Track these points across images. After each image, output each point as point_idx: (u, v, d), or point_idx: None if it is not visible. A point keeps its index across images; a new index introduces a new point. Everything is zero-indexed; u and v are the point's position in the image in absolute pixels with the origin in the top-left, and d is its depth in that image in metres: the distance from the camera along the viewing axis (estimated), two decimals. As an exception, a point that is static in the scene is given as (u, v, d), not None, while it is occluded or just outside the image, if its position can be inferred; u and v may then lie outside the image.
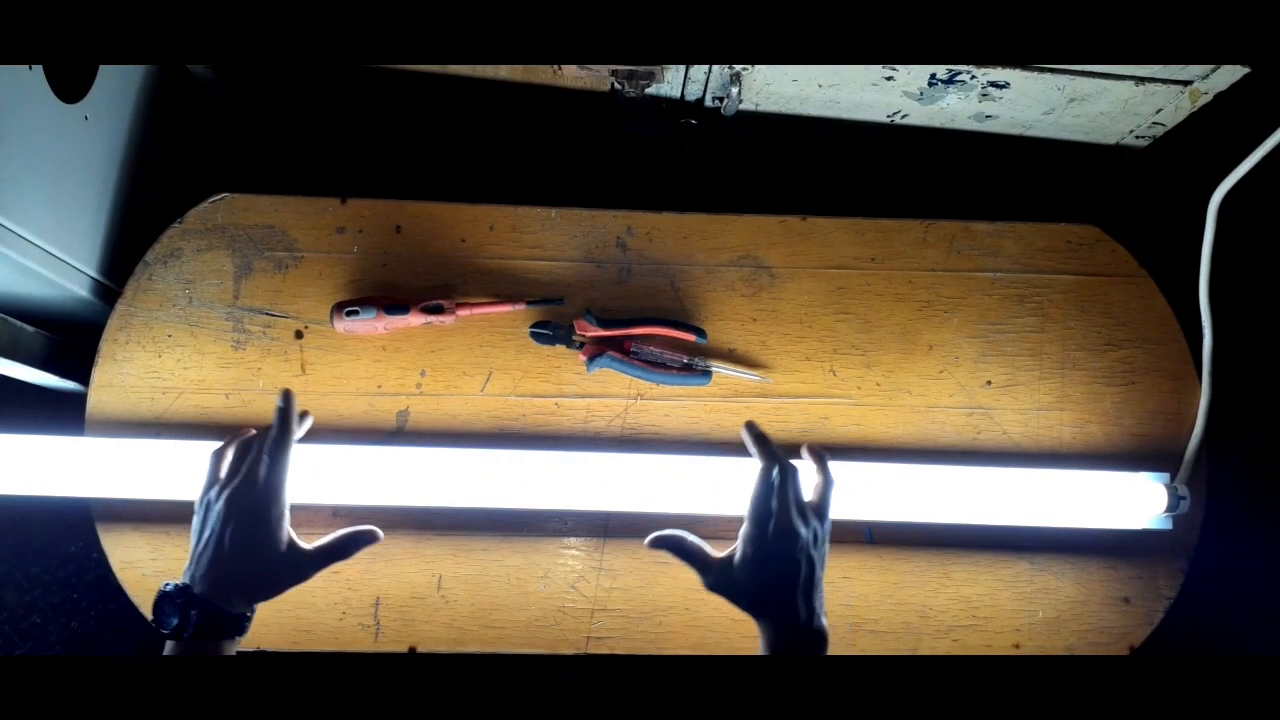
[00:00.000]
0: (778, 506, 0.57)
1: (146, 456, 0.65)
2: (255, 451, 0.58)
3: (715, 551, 0.59)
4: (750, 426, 0.62)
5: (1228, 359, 0.71)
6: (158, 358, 0.70)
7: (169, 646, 0.53)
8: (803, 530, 0.57)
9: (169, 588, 0.54)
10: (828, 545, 0.59)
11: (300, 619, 0.67)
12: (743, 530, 0.57)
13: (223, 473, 0.59)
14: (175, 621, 0.53)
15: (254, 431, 0.64)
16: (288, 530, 0.57)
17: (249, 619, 0.56)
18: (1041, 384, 0.72)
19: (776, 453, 0.60)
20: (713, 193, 1.02)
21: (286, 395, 0.60)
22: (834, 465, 0.66)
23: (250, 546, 0.55)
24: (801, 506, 0.58)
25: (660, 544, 0.60)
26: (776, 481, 0.58)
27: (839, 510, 0.65)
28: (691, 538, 0.60)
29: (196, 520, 0.58)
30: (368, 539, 0.60)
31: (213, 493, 0.58)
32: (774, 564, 0.56)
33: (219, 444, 0.62)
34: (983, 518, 0.66)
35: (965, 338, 0.72)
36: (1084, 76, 0.76)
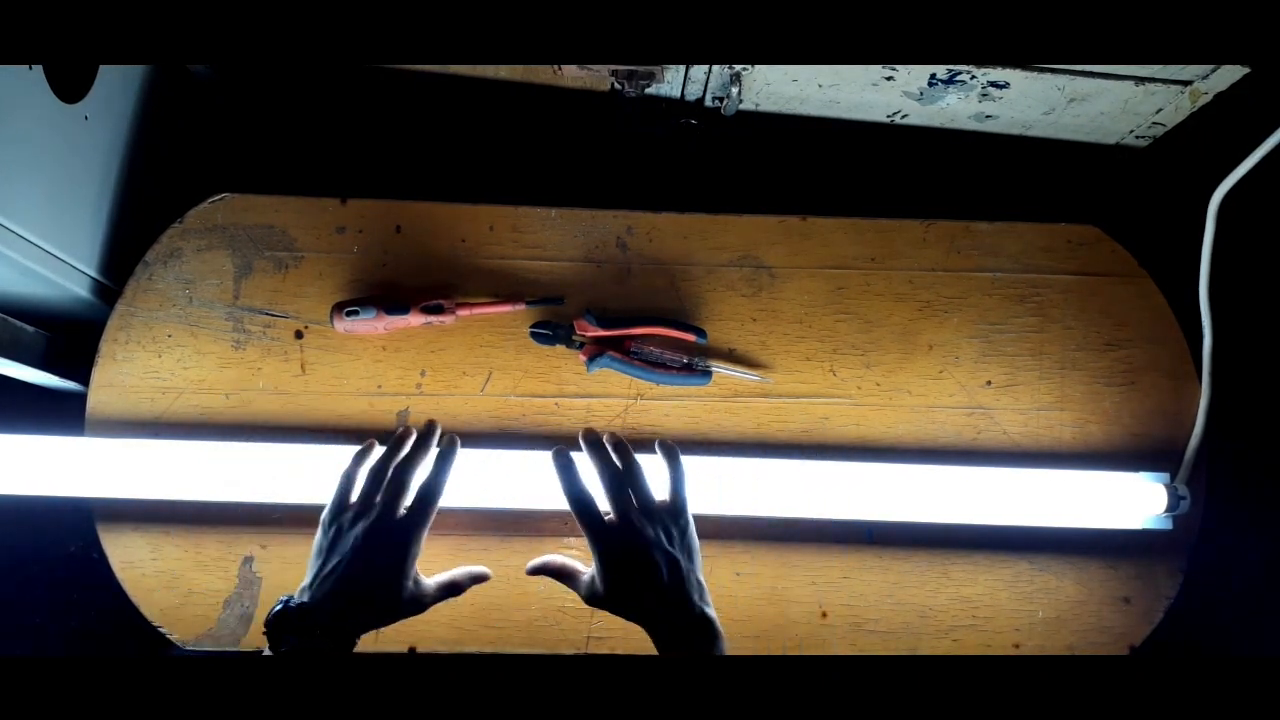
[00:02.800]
0: (616, 511, 0.57)
1: (147, 456, 0.65)
2: (396, 482, 0.58)
3: (584, 566, 0.59)
4: (584, 433, 0.62)
5: (1228, 359, 0.71)
6: (158, 358, 0.70)
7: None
8: (649, 531, 0.56)
9: (292, 606, 0.53)
10: (691, 536, 0.58)
11: (300, 619, 0.67)
12: (588, 545, 0.57)
13: (354, 496, 0.59)
14: (295, 641, 0.52)
15: (380, 448, 0.63)
16: (416, 567, 0.57)
17: (355, 644, 0.55)
18: (1041, 384, 0.72)
19: (606, 458, 0.60)
20: (713, 193, 1.02)
21: (442, 434, 0.63)
22: (834, 466, 0.66)
23: (383, 582, 0.55)
24: (647, 508, 0.57)
25: (537, 571, 0.61)
26: (603, 483, 0.58)
27: (840, 509, 0.65)
28: (560, 558, 0.61)
29: (323, 540, 0.57)
30: (482, 578, 0.62)
31: (346, 517, 0.57)
32: (627, 575, 0.55)
33: (349, 462, 0.61)
34: (983, 518, 0.66)
35: (965, 338, 0.72)
36: (1084, 77, 0.76)
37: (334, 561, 0.55)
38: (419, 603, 0.57)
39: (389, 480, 0.58)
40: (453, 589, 0.60)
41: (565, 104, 0.90)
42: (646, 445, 0.69)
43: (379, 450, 0.62)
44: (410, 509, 0.57)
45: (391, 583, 0.55)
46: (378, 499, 0.57)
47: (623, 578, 0.55)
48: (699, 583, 0.56)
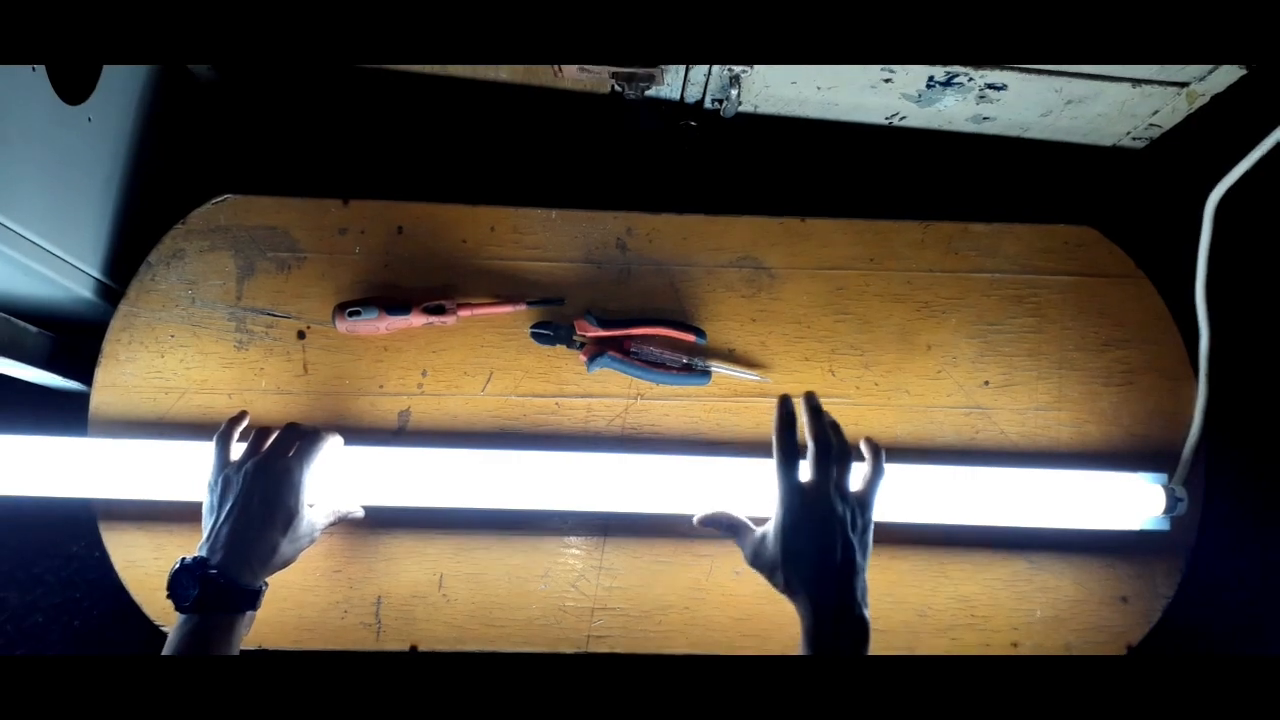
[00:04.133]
0: (816, 477, 0.55)
1: (149, 456, 0.65)
2: (281, 434, 0.62)
3: (754, 525, 0.59)
4: (780, 404, 0.59)
5: (1225, 359, 0.71)
6: (160, 358, 0.70)
7: (181, 621, 0.54)
8: (839, 507, 0.55)
9: (187, 561, 0.55)
10: (870, 537, 0.57)
11: (302, 618, 0.67)
12: (775, 498, 0.56)
13: (233, 454, 0.62)
14: (195, 593, 0.53)
15: (248, 417, 0.67)
16: (305, 499, 0.60)
17: (262, 593, 0.57)
18: (1039, 384, 0.72)
19: (824, 427, 0.58)
20: (713, 193, 1.03)
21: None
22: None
23: (279, 502, 0.58)
24: (843, 488, 0.56)
25: (708, 523, 0.62)
26: (813, 452, 0.56)
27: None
28: (735, 513, 0.62)
29: (211, 498, 0.60)
30: (356, 518, 0.66)
31: (230, 469, 0.60)
32: (805, 538, 0.54)
33: (222, 425, 0.65)
34: (980, 517, 0.66)
35: (963, 338, 0.72)
36: (1081, 78, 0.76)
37: (227, 506, 0.58)
38: (313, 526, 0.61)
39: (275, 435, 0.63)
40: (340, 517, 0.64)
41: (565, 106, 0.90)
42: (647, 445, 0.70)
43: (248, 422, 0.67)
44: (297, 448, 0.61)
45: (287, 501, 0.58)
46: (263, 448, 0.61)
47: (801, 542, 0.54)
48: (865, 582, 0.55)
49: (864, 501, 0.58)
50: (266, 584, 0.58)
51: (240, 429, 0.65)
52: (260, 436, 0.63)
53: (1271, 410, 0.99)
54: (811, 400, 0.60)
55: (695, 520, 0.63)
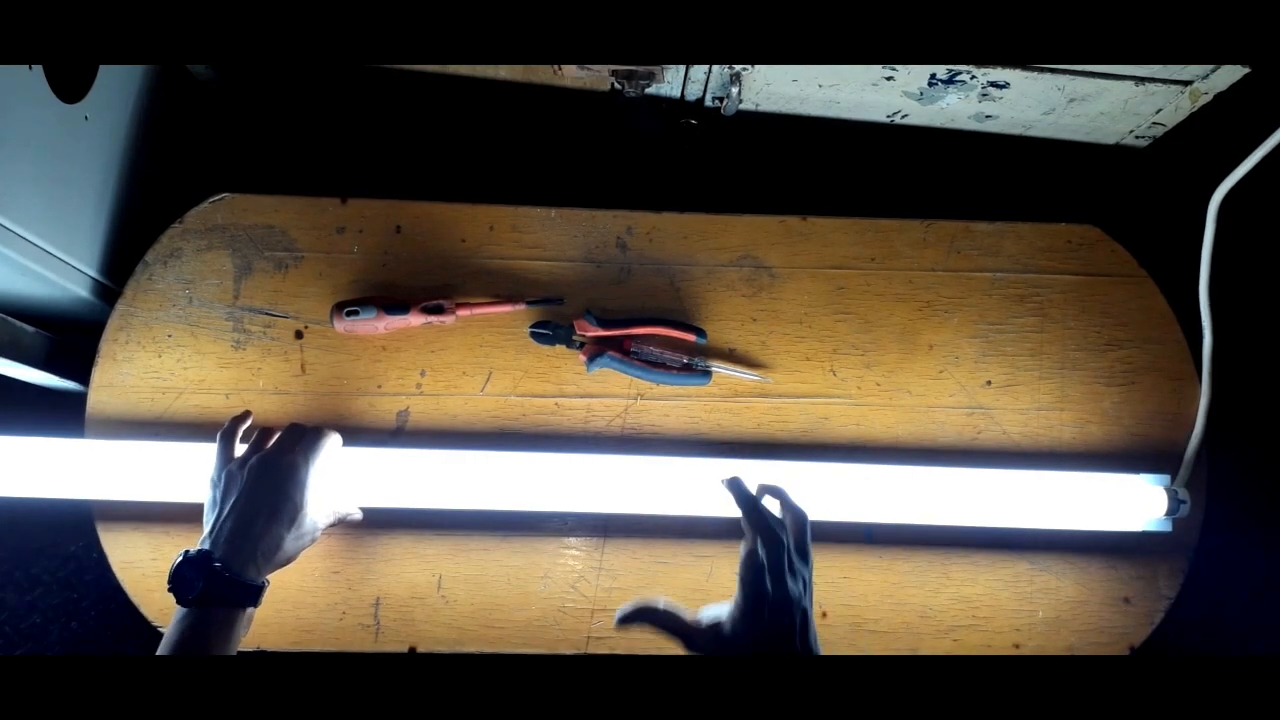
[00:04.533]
0: (772, 585, 0.52)
1: (147, 457, 0.65)
2: (285, 432, 0.62)
3: (692, 615, 0.54)
4: (735, 486, 0.58)
5: (1228, 359, 0.71)
6: (158, 358, 0.70)
7: (181, 616, 0.53)
8: (792, 589, 0.52)
9: (190, 553, 0.54)
10: (811, 586, 0.55)
11: (301, 619, 0.67)
12: (735, 604, 0.53)
13: (238, 451, 0.62)
14: (200, 585, 0.53)
15: (252, 417, 0.67)
16: (309, 496, 0.59)
17: (265, 589, 0.57)
18: (1041, 384, 0.72)
19: (766, 521, 0.55)
20: (713, 193, 1.02)
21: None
22: (833, 466, 0.66)
23: (284, 493, 0.58)
24: (792, 567, 0.54)
25: (631, 620, 0.54)
26: (767, 560, 0.53)
27: (838, 512, 0.65)
28: (662, 605, 0.54)
29: (214, 494, 0.59)
30: (356, 520, 0.66)
31: (234, 465, 0.60)
32: (770, 633, 0.51)
33: (223, 429, 0.64)
34: (982, 518, 0.66)
35: (965, 338, 0.72)
36: (1084, 77, 0.76)
37: (231, 501, 0.58)
38: (315, 524, 0.60)
39: (279, 433, 0.62)
40: (340, 518, 0.64)
41: (565, 104, 0.90)
42: (647, 445, 0.69)
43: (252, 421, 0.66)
44: (301, 445, 0.61)
45: (293, 496, 0.58)
46: (267, 445, 0.61)
47: (765, 640, 0.51)
48: (814, 624, 0.53)
49: (805, 556, 0.55)
50: (268, 581, 0.57)
51: (244, 428, 0.65)
52: (264, 435, 0.63)
53: (1275, 411, 0.99)
54: (737, 488, 0.58)
55: (614, 623, 0.55)
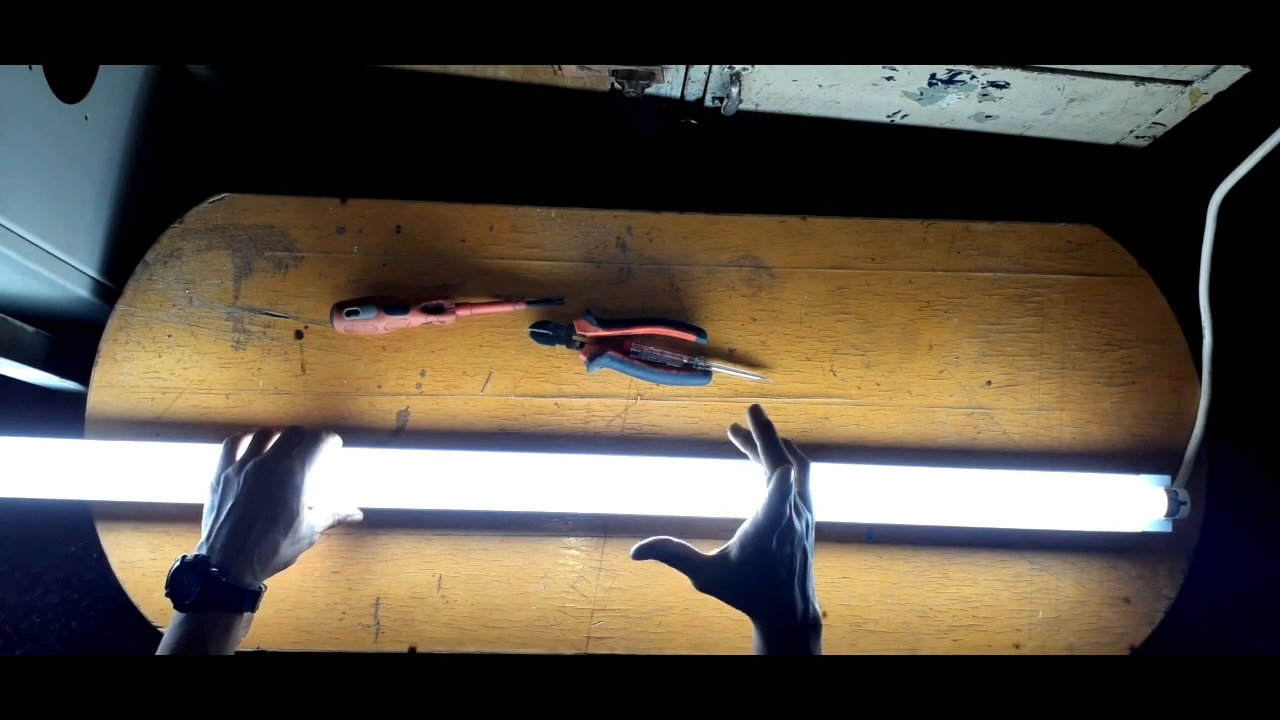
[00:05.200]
0: (789, 510, 0.56)
1: (146, 457, 0.65)
2: (283, 436, 0.62)
3: (704, 551, 0.58)
4: (756, 414, 0.61)
5: (1228, 359, 0.71)
6: (158, 358, 0.70)
7: (179, 621, 0.53)
8: (798, 525, 0.56)
9: (188, 558, 0.55)
10: (814, 530, 0.58)
11: (300, 619, 0.67)
12: (745, 530, 0.57)
13: (239, 455, 0.62)
14: (197, 591, 0.53)
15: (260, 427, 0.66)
16: (305, 501, 0.60)
17: (261, 595, 0.57)
18: (1041, 384, 0.72)
19: (785, 451, 0.59)
20: (713, 193, 1.02)
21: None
22: (833, 466, 0.66)
23: (280, 499, 0.58)
24: (803, 498, 0.58)
25: (646, 553, 0.58)
26: (792, 485, 0.57)
27: (838, 512, 0.65)
28: (676, 541, 0.58)
29: (213, 498, 0.59)
30: (355, 520, 0.66)
31: (231, 469, 0.60)
32: (774, 564, 0.55)
33: (224, 439, 0.63)
34: (982, 519, 0.66)
35: (965, 338, 0.72)
36: (1084, 76, 0.76)
37: (228, 505, 0.58)
38: (312, 528, 0.61)
39: (276, 437, 0.62)
40: (339, 520, 0.64)
41: (565, 104, 0.90)
42: (647, 445, 0.69)
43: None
44: (298, 449, 0.61)
45: (289, 502, 0.58)
46: (264, 449, 0.61)
47: (768, 570, 0.55)
48: (813, 576, 0.57)
49: (808, 502, 0.59)
50: (265, 586, 0.57)
51: (249, 438, 0.64)
52: (262, 438, 0.63)
53: (1275, 411, 0.99)
54: (758, 417, 0.61)
55: (631, 553, 0.59)
